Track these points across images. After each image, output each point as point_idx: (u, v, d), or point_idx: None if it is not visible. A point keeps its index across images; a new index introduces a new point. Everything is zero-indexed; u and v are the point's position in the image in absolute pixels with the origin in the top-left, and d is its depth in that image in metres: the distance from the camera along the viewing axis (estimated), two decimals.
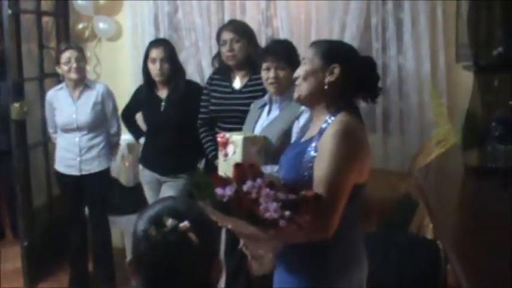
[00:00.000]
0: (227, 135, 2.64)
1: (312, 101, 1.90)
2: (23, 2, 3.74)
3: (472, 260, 1.57)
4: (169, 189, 3.42)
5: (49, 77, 4.06)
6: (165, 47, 3.42)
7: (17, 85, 3.74)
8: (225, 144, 2.61)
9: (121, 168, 3.99)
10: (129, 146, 3.96)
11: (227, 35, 3.18)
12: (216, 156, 2.93)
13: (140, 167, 3.65)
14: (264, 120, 2.85)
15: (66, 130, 3.59)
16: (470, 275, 1.47)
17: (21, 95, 3.76)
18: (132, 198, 3.83)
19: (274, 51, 2.82)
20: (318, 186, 1.72)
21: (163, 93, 3.46)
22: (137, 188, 3.78)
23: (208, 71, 3.79)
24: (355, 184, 1.78)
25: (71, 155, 3.58)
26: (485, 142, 2.26)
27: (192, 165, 3.45)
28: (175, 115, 3.40)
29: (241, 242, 1.87)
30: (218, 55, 3.33)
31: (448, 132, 2.86)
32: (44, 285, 3.88)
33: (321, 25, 3.70)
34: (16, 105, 3.68)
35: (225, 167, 2.51)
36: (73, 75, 3.50)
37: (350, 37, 3.58)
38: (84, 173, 3.59)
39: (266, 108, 2.88)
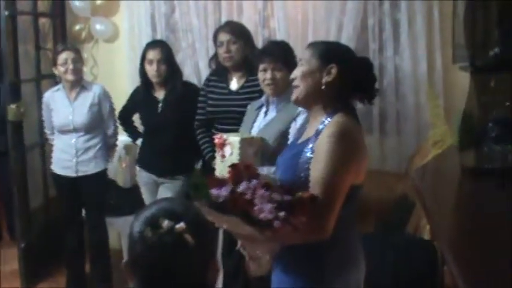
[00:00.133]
0: (224, 136, 2.64)
1: (309, 102, 1.90)
2: (19, 3, 3.73)
3: (468, 261, 1.57)
4: (167, 190, 3.42)
5: (46, 78, 4.05)
6: (162, 48, 3.42)
7: (14, 86, 3.72)
8: (222, 145, 2.60)
9: (118, 170, 3.99)
10: (126, 147, 3.96)
11: (224, 37, 3.18)
12: (213, 158, 2.93)
13: (137, 168, 3.65)
14: (261, 121, 2.84)
15: (63, 131, 3.58)
16: (466, 275, 1.47)
17: (18, 96, 3.74)
18: (129, 200, 3.83)
19: (271, 53, 2.82)
20: (314, 187, 1.72)
21: (160, 94, 3.46)
22: (134, 189, 3.78)
23: (205, 72, 3.78)
24: (352, 185, 1.78)
25: (68, 157, 3.57)
26: (481, 143, 2.26)
27: (189, 166, 3.45)
28: (173, 116, 3.39)
29: (239, 242, 1.88)
30: (215, 56, 3.32)
31: (444, 133, 2.86)
32: (41, 287, 3.86)
33: (317, 26, 3.70)
34: (13, 106, 3.67)
35: (222, 168, 2.51)
36: (70, 77, 3.49)
37: (347, 38, 3.58)
38: (80, 174, 3.58)
39: (263, 110, 2.87)
